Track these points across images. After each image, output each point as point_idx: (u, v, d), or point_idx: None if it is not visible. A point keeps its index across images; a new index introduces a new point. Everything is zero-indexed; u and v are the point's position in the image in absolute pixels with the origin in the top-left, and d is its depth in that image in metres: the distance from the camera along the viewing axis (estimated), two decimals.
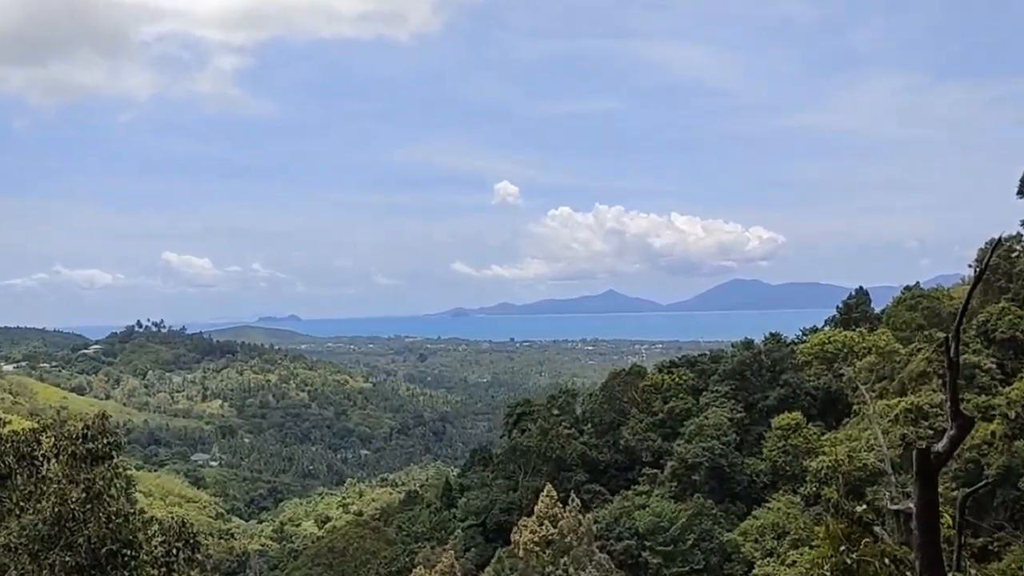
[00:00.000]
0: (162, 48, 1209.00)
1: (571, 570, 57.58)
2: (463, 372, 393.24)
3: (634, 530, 66.49)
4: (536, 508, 61.67)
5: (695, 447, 70.40)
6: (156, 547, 16.83)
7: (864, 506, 10.02)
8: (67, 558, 15.63)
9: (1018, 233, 65.21)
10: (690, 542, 64.88)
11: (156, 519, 18.04)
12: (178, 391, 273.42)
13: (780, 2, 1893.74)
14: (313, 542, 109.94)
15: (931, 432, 48.88)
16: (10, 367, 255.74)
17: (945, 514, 7.35)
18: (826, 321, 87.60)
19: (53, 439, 17.69)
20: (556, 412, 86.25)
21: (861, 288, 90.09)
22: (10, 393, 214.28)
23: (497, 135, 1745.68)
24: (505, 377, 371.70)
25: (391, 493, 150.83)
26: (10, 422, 19.74)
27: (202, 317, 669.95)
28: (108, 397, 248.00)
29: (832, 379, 70.58)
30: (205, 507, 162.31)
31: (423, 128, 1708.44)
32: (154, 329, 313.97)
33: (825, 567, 7.47)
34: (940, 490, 6.63)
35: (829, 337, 68.54)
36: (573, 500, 62.55)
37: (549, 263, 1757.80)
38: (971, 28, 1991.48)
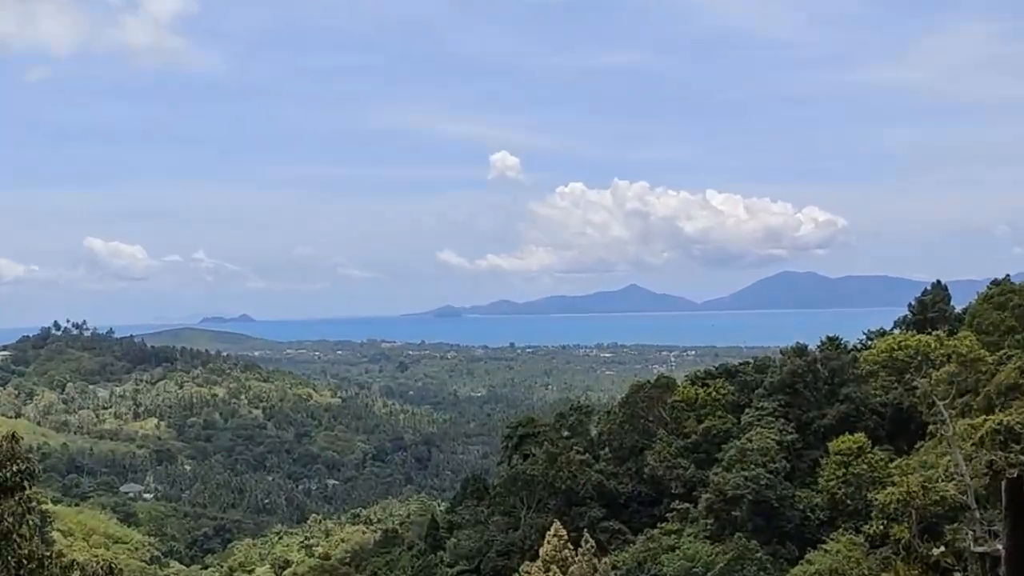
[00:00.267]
0: None
1: None
2: (452, 384, 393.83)
3: None
4: (542, 550, 61.84)
5: (736, 476, 70.55)
6: None
7: (942, 548, 10.05)
8: None
9: None
10: None
11: (77, 564, 18.08)
12: (104, 407, 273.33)
13: None
14: None
15: None
16: None
17: None
18: (896, 323, 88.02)
19: None
20: (566, 434, 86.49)
21: (939, 283, 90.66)
22: None
23: (494, 94, 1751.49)
24: (503, 391, 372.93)
25: (364, 532, 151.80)
26: None
27: (134, 318, 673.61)
28: (18, 415, 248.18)
29: (903, 393, 70.77)
30: (137, 549, 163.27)
31: (403, 86, 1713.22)
32: (75, 332, 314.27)
33: None
34: None
35: (899, 342, 68.36)
36: (587, 541, 62.75)
37: (557, 252, 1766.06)
38: None
